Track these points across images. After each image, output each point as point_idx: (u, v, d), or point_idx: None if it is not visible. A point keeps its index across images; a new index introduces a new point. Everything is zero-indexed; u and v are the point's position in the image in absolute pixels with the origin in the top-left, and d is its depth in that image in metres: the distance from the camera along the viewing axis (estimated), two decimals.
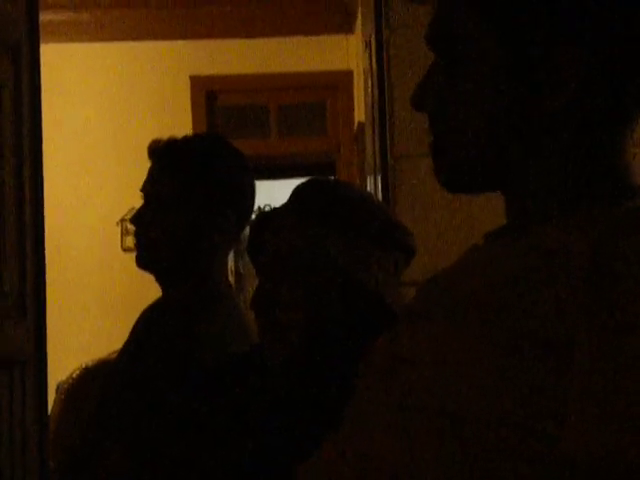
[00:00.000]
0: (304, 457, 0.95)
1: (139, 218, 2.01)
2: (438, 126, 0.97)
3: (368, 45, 3.66)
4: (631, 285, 0.75)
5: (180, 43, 5.82)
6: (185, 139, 2.04)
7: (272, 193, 6.56)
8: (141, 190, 2.03)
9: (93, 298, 5.66)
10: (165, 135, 2.07)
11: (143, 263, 2.01)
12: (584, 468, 0.73)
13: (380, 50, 3.24)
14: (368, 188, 3.88)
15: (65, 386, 2.75)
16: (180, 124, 5.53)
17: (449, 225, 3.09)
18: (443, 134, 0.97)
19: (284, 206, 1.58)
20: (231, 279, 5.92)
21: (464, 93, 0.94)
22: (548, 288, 0.80)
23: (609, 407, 0.73)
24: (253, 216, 1.97)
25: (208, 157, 2.00)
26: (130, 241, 2.10)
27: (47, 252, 3.21)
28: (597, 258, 0.78)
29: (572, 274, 0.79)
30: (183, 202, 1.97)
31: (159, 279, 2.04)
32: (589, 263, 0.79)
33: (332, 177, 5.89)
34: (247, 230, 1.76)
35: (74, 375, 2.67)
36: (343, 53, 5.79)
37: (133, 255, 2.04)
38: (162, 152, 2.01)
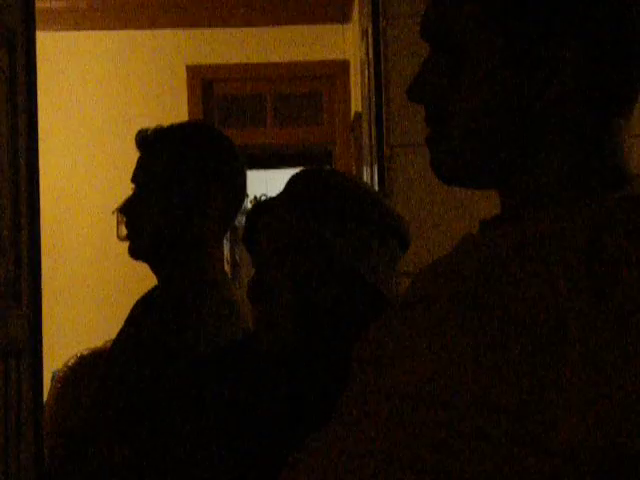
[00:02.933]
0: (297, 446, 0.95)
1: (128, 207, 2.00)
2: (436, 119, 0.97)
3: (365, 35, 3.66)
4: (629, 275, 0.76)
5: (176, 32, 5.81)
6: (171, 127, 2.03)
7: (268, 183, 6.57)
8: (131, 181, 2.02)
9: (89, 287, 5.66)
10: (161, 124, 2.07)
11: (135, 253, 2.00)
12: (584, 458, 0.74)
13: (377, 40, 3.24)
14: (364, 178, 3.88)
15: (60, 375, 2.75)
16: (176, 113, 5.52)
17: (445, 215, 3.10)
18: (442, 127, 0.97)
19: (279, 195, 1.58)
20: (227, 268, 5.93)
21: (464, 85, 0.94)
22: (543, 276, 0.80)
23: (609, 397, 0.74)
24: (249, 205, 1.96)
25: (193, 143, 1.99)
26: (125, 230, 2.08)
27: (43, 241, 3.21)
28: (593, 247, 0.79)
29: (567, 262, 0.80)
30: (168, 187, 1.95)
31: (152, 267, 2.03)
32: (584, 252, 0.79)
33: (328, 167, 5.89)
34: (243, 219, 1.76)
35: (69, 364, 2.67)
36: (340, 43, 5.79)
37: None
38: (148, 140, 2.00)
